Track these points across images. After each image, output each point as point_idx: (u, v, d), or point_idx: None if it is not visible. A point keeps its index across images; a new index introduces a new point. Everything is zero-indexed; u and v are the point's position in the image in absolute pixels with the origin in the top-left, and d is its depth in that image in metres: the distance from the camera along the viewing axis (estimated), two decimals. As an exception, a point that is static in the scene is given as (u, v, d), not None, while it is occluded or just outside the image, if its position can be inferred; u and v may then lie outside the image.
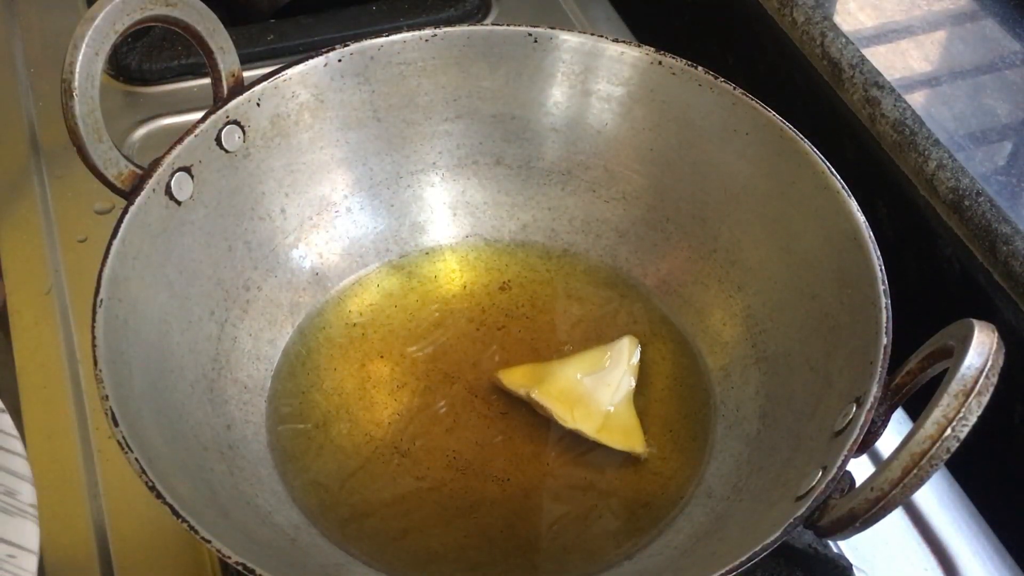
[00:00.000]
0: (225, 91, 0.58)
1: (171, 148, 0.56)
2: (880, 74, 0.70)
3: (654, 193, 0.63)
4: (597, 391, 0.58)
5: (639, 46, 0.61)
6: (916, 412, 0.44)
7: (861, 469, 0.47)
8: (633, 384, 0.59)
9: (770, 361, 0.58)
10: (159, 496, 0.44)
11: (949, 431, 0.42)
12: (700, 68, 0.60)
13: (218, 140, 0.58)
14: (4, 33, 0.84)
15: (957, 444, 0.43)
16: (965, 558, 0.59)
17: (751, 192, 0.60)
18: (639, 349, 0.61)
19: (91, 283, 0.50)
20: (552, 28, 0.62)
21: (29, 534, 0.50)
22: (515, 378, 0.59)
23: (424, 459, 0.57)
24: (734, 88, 0.59)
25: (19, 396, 0.62)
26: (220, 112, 0.57)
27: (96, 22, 0.51)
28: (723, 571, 0.44)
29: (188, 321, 0.56)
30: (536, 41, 0.62)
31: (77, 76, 0.51)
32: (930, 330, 0.48)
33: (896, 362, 0.49)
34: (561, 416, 0.57)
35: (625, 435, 0.57)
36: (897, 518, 0.60)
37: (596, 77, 0.63)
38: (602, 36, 0.62)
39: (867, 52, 0.72)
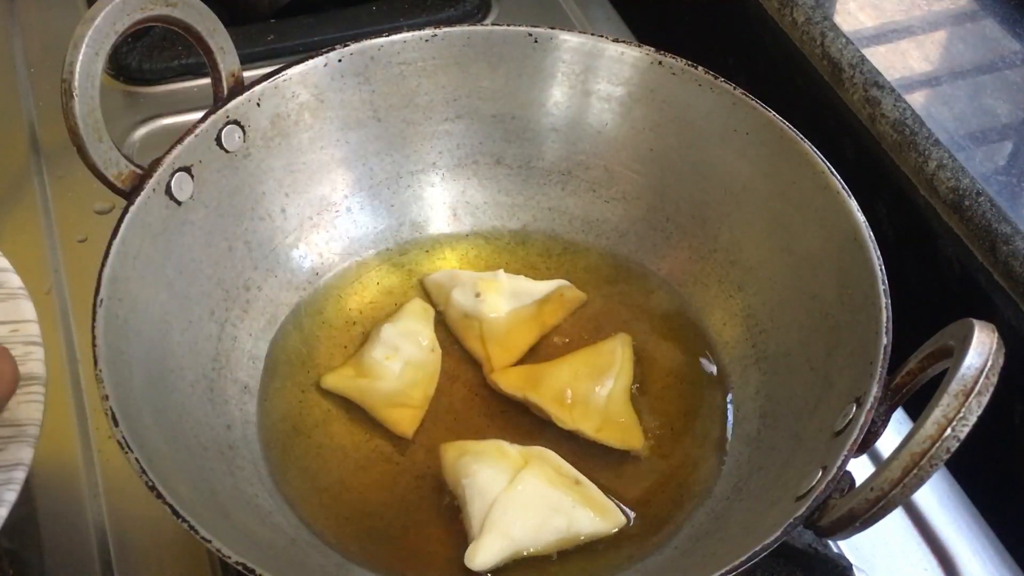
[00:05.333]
0: (225, 91, 0.58)
1: (171, 148, 0.56)
2: (880, 74, 0.70)
3: (654, 193, 0.63)
4: (594, 390, 0.58)
5: (639, 46, 0.61)
6: (916, 412, 0.44)
7: (861, 469, 0.47)
8: (630, 382, 0.59)
9: (770, 361, 0.58)
10: (159, 496, 0.44)
11: (949, 431, 0.42)
12: (700, 68, 0.60)
13: (218, 140, 0.58)
14: (4, 33, 0.84)
15: (957, 444, 0.43)
16: (965, 558, 0.59)
17: (751, 192, 0.60)
18: (631, 348, 0.60)
19: (91, 283, 0.51)
20: (552, 28, 0.62)
21: (25, 310, 0.54)
22: (511, 380, 0.59)
23: (424, 459, 0.57)
24: (734, 88, 0.59)
25: (19, 396, 0.62)
26: (220, 112, 0.57)
27: (96, 22, 0.51)
28: (723, 571, 0.44)
29: (188, 321, 0.56)
30: (536, 41, 0.62)
31: (77, 76, 0.51)
32: (930, 330, 0.48)
33: (896, 362, 0.49)
34: (560, 417, 0.57)
35: (624, 433, 0.57)
36: (897, 518, 0.60)
37: (596, 77, 0.63)
38: (602, 36, 0.62)
39: (867, 52, 0.72)
